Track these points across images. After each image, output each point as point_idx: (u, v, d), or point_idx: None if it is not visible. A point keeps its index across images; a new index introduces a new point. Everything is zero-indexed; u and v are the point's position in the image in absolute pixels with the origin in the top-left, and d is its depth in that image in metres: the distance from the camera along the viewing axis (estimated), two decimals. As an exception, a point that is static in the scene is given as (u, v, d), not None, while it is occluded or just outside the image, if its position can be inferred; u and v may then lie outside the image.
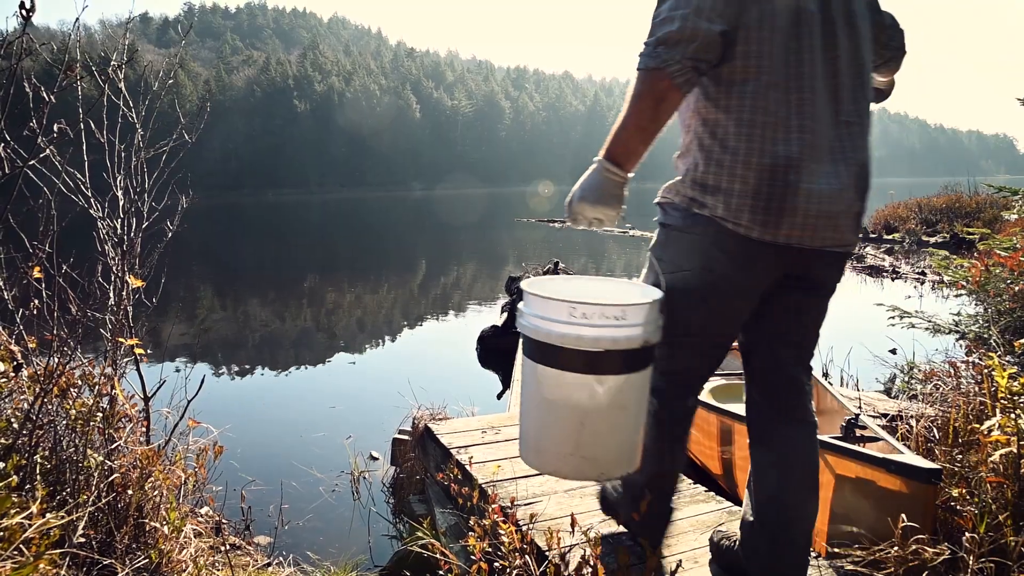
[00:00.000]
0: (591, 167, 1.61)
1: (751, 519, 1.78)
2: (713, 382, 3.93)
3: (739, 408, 3.13)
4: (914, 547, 1.73)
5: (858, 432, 2.49)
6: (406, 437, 3.59)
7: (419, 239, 22.97)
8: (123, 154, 2.44)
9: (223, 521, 2.90)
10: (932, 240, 14.36)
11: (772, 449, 1.77)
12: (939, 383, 3.09)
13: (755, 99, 1.54)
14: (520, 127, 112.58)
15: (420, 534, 2.56)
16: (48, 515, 1.62)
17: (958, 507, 1.98)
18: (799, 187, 1.52)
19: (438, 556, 2.21)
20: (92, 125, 2.24)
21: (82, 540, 1.84)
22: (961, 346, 4.09)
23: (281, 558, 2.87)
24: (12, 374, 1.90)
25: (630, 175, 1.61)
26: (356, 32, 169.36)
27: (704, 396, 3.45)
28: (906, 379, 3.99)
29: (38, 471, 1.87)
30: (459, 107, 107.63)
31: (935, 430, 2.59)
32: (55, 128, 1.77)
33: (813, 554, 2.06)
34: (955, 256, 4.31)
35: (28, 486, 1.82)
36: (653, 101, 1.51)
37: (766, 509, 1.74)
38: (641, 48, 1.53)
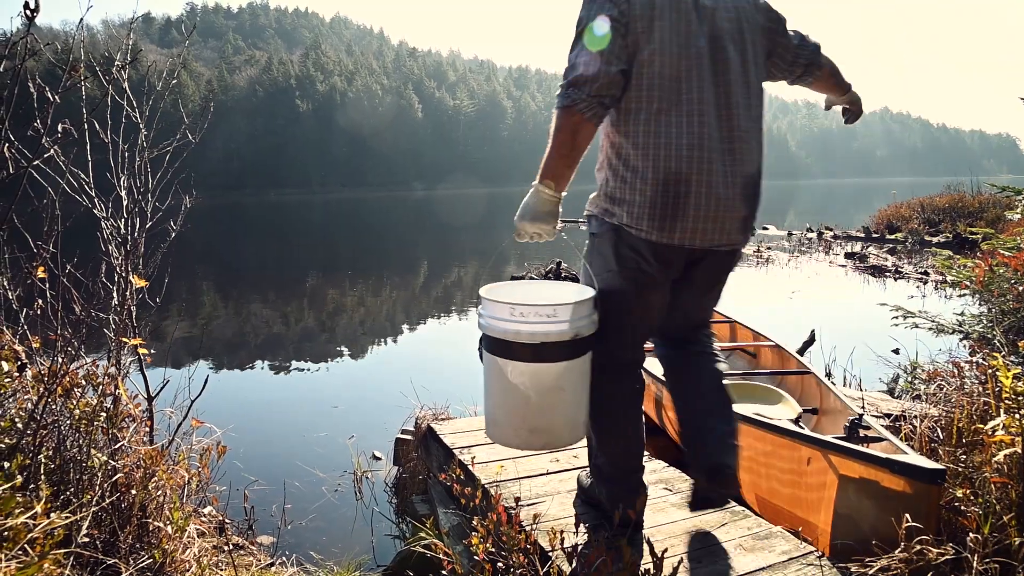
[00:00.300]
0: (530, 190, 1.88)
1: (686, 440, 2.18)
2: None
3: (743, 408, 3.13)
4: (918, 548, 1.73)
5: (862, 432, 2.48)
6: (409, 437, 3.59)
7: (421, 239, 22.97)
8: (126, 154, 2.44)
9: (226, 521, 2.90)
10: (935, 240, 14.33)
11: (682, 381, 2.20)
12: (943, 383, 3.08)
13: (647, 125, 1.83)
14: (522, 127, 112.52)
15: (423, 534, 2.56)
16: (52, 515, 1.62)
17: (962, 508, 1.97)
18: (688, 199, 1.82)
19: (441, 556, 2.21)
20: (96, 125, 2.24)
21: (86, 540, 1.84)
22: (965, 346, 4.08)
23: (284, 558, 2.87)
24: (16, 374, 1.90)
25: (563, 193, 1.89)
26: (358, 32, 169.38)
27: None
28: (909, 379, 3.98)
29: (42, 471, 1.87)
30: (461, 107, 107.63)
31: (939, 430, 2.58)
32: (59, 128, 1.77)
33: (817, 553, 2.06)
34: (959, 256, 4.29)
35: (32, 486, 1.82)
36: (570, 133, 1.82)
37: (693, 423, 2.13)
38: (558, 91, 1.84)
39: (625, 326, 2.01)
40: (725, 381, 2.17)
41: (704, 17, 1.86)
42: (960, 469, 2.19)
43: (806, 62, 2.14)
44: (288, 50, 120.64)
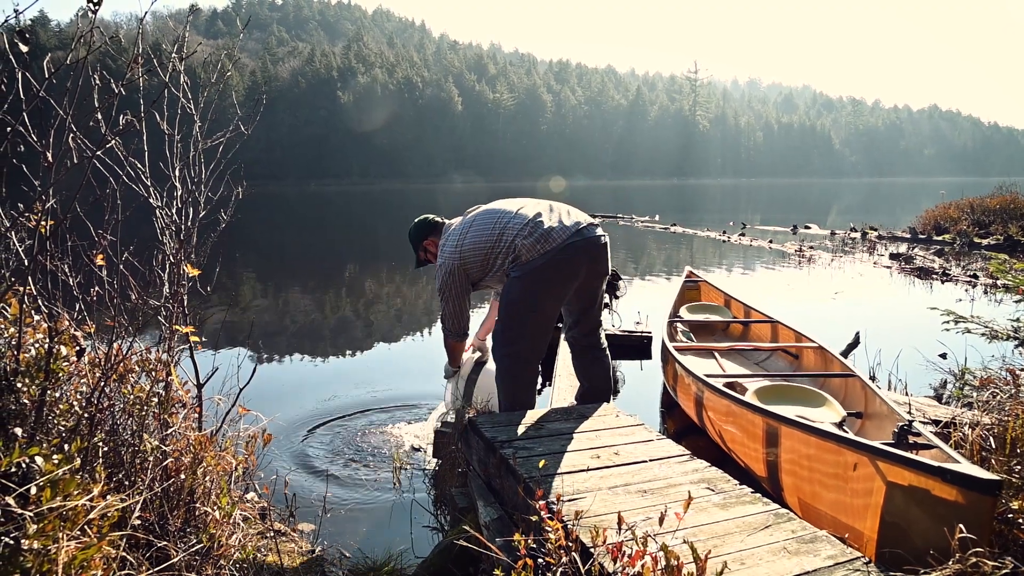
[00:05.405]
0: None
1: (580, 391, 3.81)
2: (757, 382, 3.87)
3: (785, 410, 3.08)
4: (973, 560, 1.69)
5: (911, 439, 2.43)
6: (448, 429, 3.61)
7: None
8: (179, 145, 2.49)
9: (269, 507, 2.95)
10: (984, 242, 13.95)
11: (585, 363, 3.70)
12: (996, 391, 3.00)
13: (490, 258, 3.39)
14: (562, 120, 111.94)
15: (464, 527, 2.57)
16: (108, 497, 1.66)
17: (1018, 520, 1.92)
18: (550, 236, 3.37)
19: (482, 551, 2.21)
20: (158, 117, 2.29)
21: (138, 522, 1.89)
22: (1021, 353, 3.96)
23: (325, 545, 2.91)
24: (74, 359, 1.95)
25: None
26: (400, 24, 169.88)
27: (749, 397, 3.41)
28: (959, 385, 3.88)
29: (100, 454, 1.92)
30: (501, 100, 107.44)
31: (991, 439, 2.52)
32: (122, 120, 1.81)
33: (864, 559, 2.02)
34: (1014, 259, 4.16)
35: (88, 468, 1.87)
36: (452, 348, 3.73)
37: (587, 385, 3.72)
38: (444, 330, 3.61)
39: (528, 331, 3.37)
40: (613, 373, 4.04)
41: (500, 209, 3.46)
42: (1014, 480, 2.13)
43: None
44: (330, 42, 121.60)
